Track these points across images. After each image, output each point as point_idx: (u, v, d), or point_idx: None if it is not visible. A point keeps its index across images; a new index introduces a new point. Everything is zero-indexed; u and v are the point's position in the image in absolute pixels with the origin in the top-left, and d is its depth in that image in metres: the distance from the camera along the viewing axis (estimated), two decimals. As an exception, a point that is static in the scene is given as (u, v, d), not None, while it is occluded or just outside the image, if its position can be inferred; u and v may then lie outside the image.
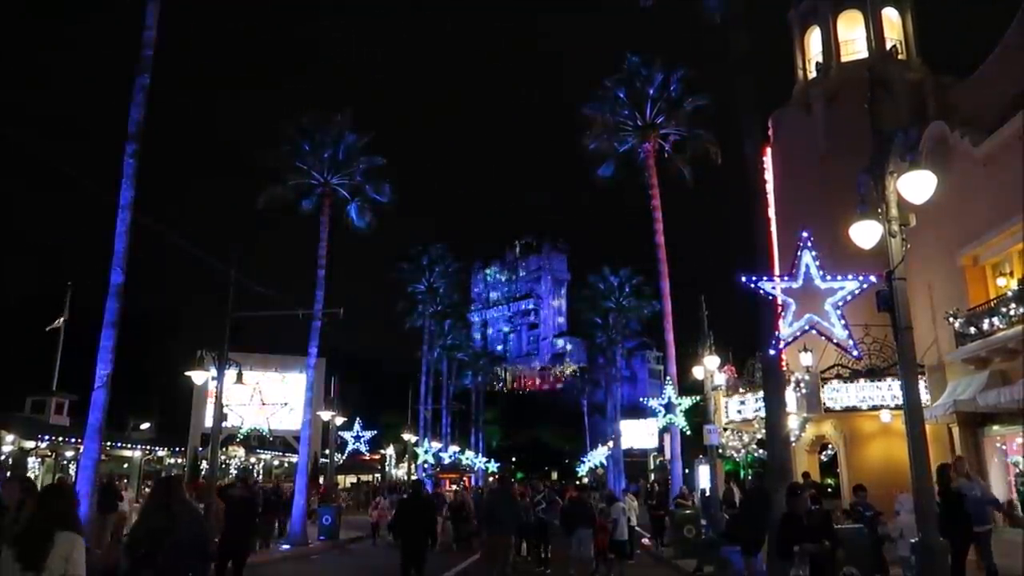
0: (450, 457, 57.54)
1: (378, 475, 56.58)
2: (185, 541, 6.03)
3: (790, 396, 17.84)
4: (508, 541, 13.86)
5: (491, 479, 59.20)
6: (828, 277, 9.17)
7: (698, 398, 22.81)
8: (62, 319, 28.76)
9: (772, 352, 11.44)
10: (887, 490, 14.41)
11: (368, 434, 41.31)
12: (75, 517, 4.82)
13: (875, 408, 19.09)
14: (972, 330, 16.09)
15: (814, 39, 24.87)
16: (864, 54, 23.08)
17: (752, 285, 9.53)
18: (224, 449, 34.66)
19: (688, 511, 19.44)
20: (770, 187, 21.85)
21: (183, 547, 5.98)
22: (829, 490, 20.29)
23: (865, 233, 8.49)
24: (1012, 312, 14.78)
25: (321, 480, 33.23)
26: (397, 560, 11.98)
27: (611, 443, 48.57)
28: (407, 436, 46.74)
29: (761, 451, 20.78)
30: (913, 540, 8.19)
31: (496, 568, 13.54)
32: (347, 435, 39.85)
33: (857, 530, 11.90)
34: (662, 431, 29.88)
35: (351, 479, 52.09)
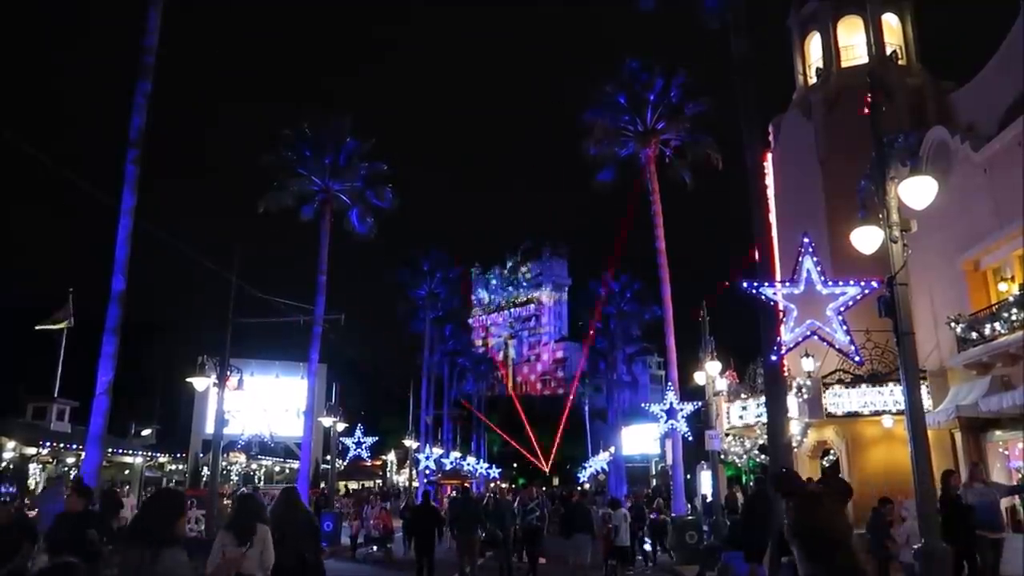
0: (451, 463, 57.43)
1: (379, 481, 56.51)
2: (300, 528, 8.66)
3: (792, 401, 17.81)
4: (474, 540, 15.61)
5: (491, 485, 59.13)
6: (829, 282, 9.15)
7: (700, 403, 22.77)
8: (66, 323, 28.56)
9: (774, 358, 11.43)
10: (890, 495, 14.37)
11: (369, 440, 41.18)
12: (265, 515, 7.50)
13: (877, 413, 19.03)
14: (974, 335, 16.07)
15: (814, 44, 24.89)
16: (864, 59, 23.11)
17: (753, 291, 9.52)
18: (225, 455, 34.59)
19: (690, 517, 19.38)
20: (771, 192, 21.84)
21: (300, 532, 8.62)
22: (831, 496, 20.23)
23: (866, 239, 8.50)
24: (1014, 317, 14.77)
25: (322, 485, 33.15)
26: (392, 570, 12.54)
27: (612, 449, 48.48)
28: (408, 442, 46.65)
29: (763, 456, 20.75)
30: (917, 546, 8.17)
31: (467, 563, 15.20)
32: (348, 441, 39.74)
33: (859, 536, 11.86)
34: (664, 437, 29.84)
35: (352, 485, 52.03)
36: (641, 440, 49.12)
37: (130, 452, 32.02)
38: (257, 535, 6.81)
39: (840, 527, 2.13)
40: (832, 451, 21.12)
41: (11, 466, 25.26)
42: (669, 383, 25.47)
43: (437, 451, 52.04)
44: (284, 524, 8.15)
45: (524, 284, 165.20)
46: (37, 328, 28.25)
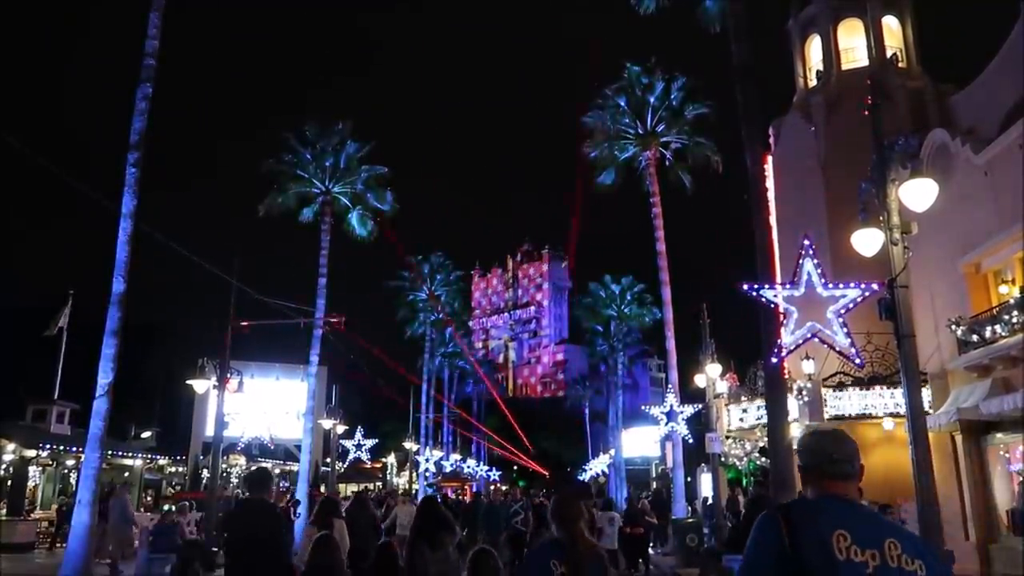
0: (451, 465, 57.39)
1: (379, 483, 56.49)
2: (364, 524, 11.01)
3: (792, 404, 17.78)
4: (473, 541, 16.54)
5: (491, 488, 59.04)
6: (830, 285, 9.15)
7: (700, 406, 22.76)
8: (57, 326, 28.54)
9: (774, 360, 11.40)
10: (890, 498, 14.35)
11: (369, 442, 41.14)
12: (340, 511, 9.70)
13: (878, 416, 19.03)
14: (975, 338, 16.05)
15: (814, 47, 24.90)
16: (864, 62, 23.12)
17: (754, 293, 9.52)
18: (225, 458, 34.58)
19: (690, 520, 19.32)
20: (771, 195, 21.83)
21: (365, 527, 10.88)
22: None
23: (867, 241, 8.50)
24: (1015, 320, 14.75)
25: (322, 488, 33.13)
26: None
27: (612, 451, 48.44)
28: (408, 444, 46.61)
29: (763, 459, 20.72)
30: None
31: None
32: (348, 443, 39.72)
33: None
34: (664, 439, 29.82)
35: (352, 487, 52.06)
36: (641, 442, 49.04)
37: (130, 454, 31.98)
38: (335, 527, 8.63)
39: (571, 513, 3.77)
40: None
41: (11, 469, 25.24)
42: (669, 385, 25.46)
43: (437, 453, 51.99)
44: (354, 520, 10.48)
45: (524, 286, 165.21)
46: (44, 335, 28.23)
